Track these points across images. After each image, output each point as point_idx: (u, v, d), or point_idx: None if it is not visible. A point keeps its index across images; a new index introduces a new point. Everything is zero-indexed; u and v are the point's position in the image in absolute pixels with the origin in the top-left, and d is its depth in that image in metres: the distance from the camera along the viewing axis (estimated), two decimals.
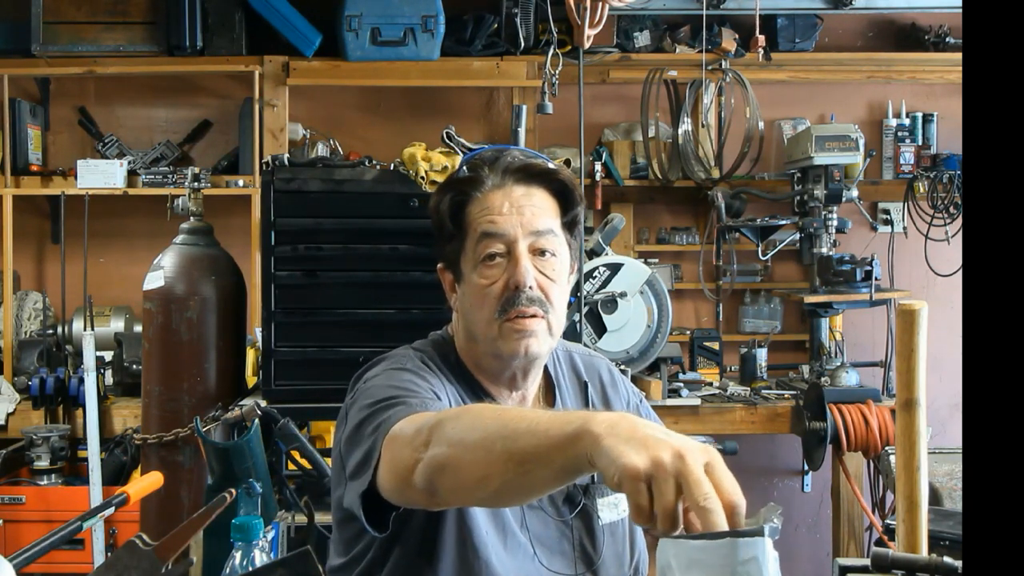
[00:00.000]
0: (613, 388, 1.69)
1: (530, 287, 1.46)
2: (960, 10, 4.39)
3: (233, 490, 1.62)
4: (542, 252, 1.49)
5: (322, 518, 2.13)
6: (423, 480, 1.17)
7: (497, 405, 1.46)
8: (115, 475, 3.90)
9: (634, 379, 3.75)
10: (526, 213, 1.48)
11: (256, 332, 3.57)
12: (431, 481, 1.16)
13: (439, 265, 1.59)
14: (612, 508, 1.57)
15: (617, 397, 1.69)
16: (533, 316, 1.46)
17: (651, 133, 4.60)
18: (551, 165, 1.59)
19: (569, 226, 1.54)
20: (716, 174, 4.57)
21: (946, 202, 4.22)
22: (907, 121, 4.86)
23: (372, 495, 1.28)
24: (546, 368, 1.61)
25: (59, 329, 4.41)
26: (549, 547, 1.51)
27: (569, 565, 1.52)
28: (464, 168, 1.56)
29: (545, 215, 1.50)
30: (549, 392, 1.62)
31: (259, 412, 2.57)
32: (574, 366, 1.68)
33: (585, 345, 3.42)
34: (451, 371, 1.54)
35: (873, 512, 3.82)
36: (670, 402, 3.78)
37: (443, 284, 1.59)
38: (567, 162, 4.33)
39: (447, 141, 3.10)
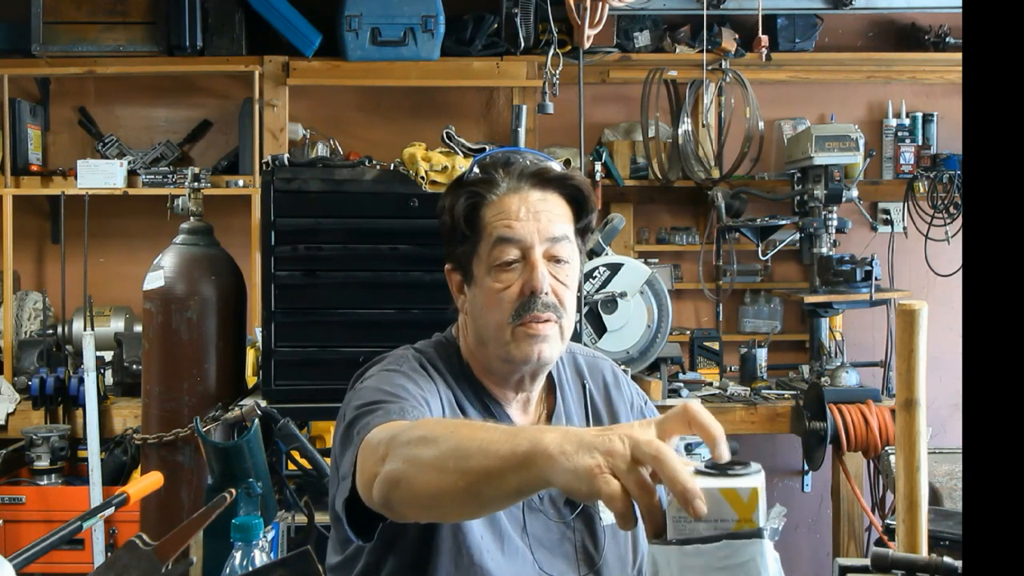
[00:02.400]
0: (617, 389, 1.68)
1: (545, 293, 1.45)
2: (960, 10, 4.39)
3: (233, 490, 1.63)
4: (557, 258, 1.48)
5: (322, 518, 2.13)
6: (379, 494, 1.18)
7: (451, 420, 1.44)
8: (115, 475, 3.90)
9: (634, 379, 3.73)
10: (542, 219, 1.47)
11: (256, 332, 3.57)
12: (386, 495, 1.17)
13: (447, 266, 1.56)
14: None
15: (621, 398, 1.67)
16: (547, 321, 1.45)
17: (651, 133, 4.60)
18: (564, 169, 1.56)
19: (582, 232, 1.54)
20: (716, 174, 4.57)
21: (946, 202, 4.21)
22: (907, 121, 4.86)
23: (356, 500, 1.27)
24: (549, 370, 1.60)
25: (59, 329, 4.41)
26: (550, 549, 1.50)
27: (571, 567, 1.51)
28: (475, 169, 1.52)
29: (560, 221, 1.49)
30: (551, 393, 1.61)
31: (259, 412, 2.58)
32: (577, 367, 1.67)
33: (585, 345, 3.42)
34: (453, 373, 1.53)
35: (873, 512, 3.81)
36: (670, 402, 3.78)
37: (450, 285, 1.57)
38: (567, 162, 4.32)
39: (447, 141, 3.10)
